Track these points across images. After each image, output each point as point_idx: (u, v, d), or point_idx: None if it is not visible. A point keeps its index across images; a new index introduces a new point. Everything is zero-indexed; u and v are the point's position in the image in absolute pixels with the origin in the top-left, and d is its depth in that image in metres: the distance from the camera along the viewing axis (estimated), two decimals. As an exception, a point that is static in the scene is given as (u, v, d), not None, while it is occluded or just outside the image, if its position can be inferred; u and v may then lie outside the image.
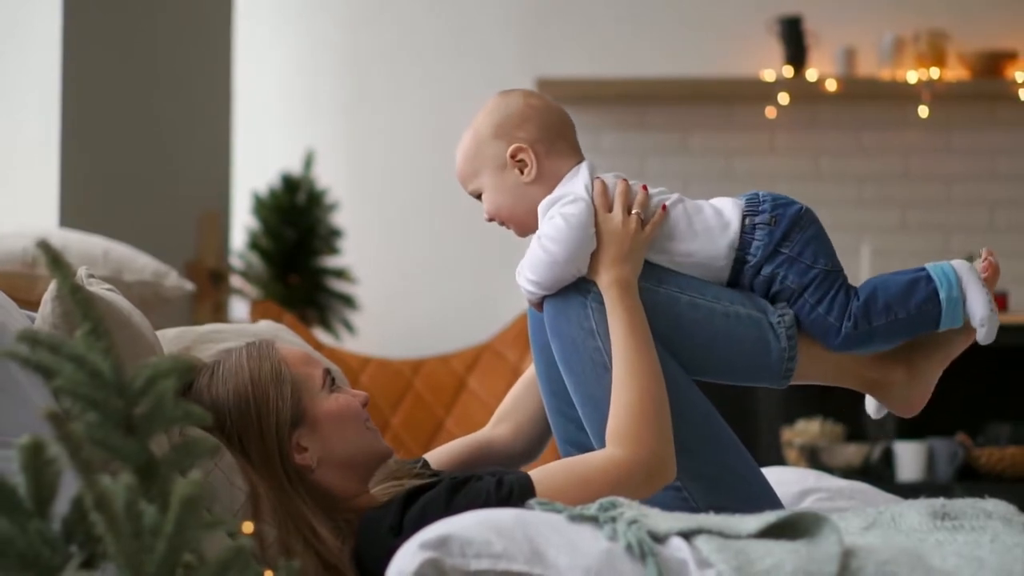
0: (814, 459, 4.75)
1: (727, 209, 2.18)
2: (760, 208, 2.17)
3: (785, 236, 2.15)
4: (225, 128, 5.26)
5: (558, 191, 2.16)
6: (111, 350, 1.36)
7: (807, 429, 4.91)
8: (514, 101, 2.21)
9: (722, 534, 1.63)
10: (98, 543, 1.31)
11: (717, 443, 2.12)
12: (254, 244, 5.19)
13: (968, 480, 4.74)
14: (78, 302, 1.39)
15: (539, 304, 2.16)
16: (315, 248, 5.18)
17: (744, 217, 2.17)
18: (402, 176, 5.62)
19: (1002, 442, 4.84)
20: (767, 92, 5.36)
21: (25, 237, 3.17)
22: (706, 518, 1.68)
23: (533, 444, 2.35)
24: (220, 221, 5.02)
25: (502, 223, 2.22)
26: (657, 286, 2.13)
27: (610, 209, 2.13)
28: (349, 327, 5.22)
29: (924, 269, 2.17)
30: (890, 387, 2.25)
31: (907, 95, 5.36)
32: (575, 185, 2.15)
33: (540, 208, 2.16)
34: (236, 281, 5.17)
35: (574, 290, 2.11)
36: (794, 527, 1.65)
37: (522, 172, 2.17)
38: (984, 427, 4.95)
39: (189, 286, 3.36)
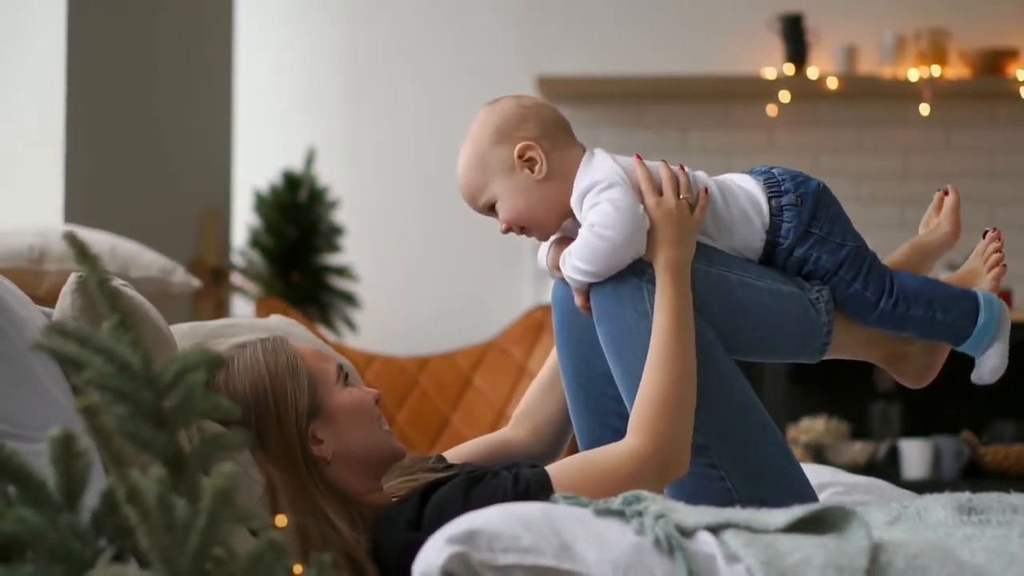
0: (819, 457, 4.74)
1: (753, 189, 2.18)
2: (783, 188, 2.18)
3: (813, 216, 2.16)
4: (226, 126, 5.24)
5: (584, 180, 2.13)
6: (139, 343, 1.35)
7: (812, 427, 4.90)
8: (506, 105, 2.19)
9: (750, 528, 1.62)
10: (128, 537, 1.30)
11: (764, 434, 2.11)
12: (255, 242, 5.18)
13: (974, 478, 4.73)
14: (106, 294, 1.37)
15: (584, 294, 2.13)
16: (316, 246, 5.17)
17: (769, 199, 2.17)
18: (403, 174, 5.61)
19: (1007, 440, 4.84)
20: (768, 90, 5.35)
21: (31, 234, 3.16)
22: (733, 512, 1.67)
23: (551, 446, 2.32)
24: (221, 219, 5.01)
25: (521, 231, 2.18)
26: (708, 266, 2.12)
27: (659, 192, 2.11)
28: (351, 324, 5.21)
29: (975, 292, 2.23)
30: (908, 357, 2.29)
31: (908, 93, 5.35)
32: (598, 172, 2.12)
33: (574, 201, 2.13)
34: (236, 279, 5.16)
35: (629, 272, 2.08)
36: (822, 521, 1.64)
37: (532, 170, 2.14)
38: (990, 425, 4.95)
39: (196, 282, 3.35)
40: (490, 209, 2.19)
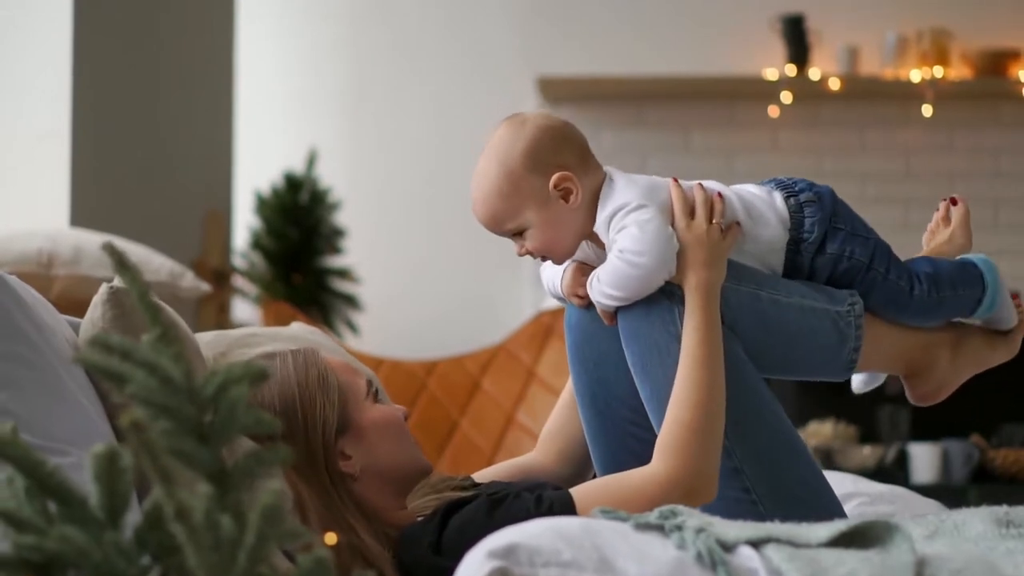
0: (828, 461, 4.72)
1: (762, 191, 2.15)
2: (796, 188, 2.14)
3: (834, 212, 2.13)
4: (227, 127, 5.22)
5: (609, 205, 2.06)
6: (181, 356, 1.32)
7: (820, 430, 4.89)
8: (535, 129, 2.07)
9: (792, 543, 1.59)
10: (172, 555, 1.27)
11: (796, 455, 2.07)
12: (257, 244, 5.16)
13: (983, 482, 4.72)
14: (147, 306, 1.35)
15: (611, 315, 2.07)
16: (318, 248, 5.16)
17: (786, 198, 2.13)
18: (405, 175, 5.60)
19: (1017, 444, 4.82)
20: (770, 91, 5.34)
21: (39, 237, 3.13)
22: (774, 526, 1.65)
23: (579, 467, 2.25)
24: (223, 221, 4.98)
25: (543, 256, 2.10)
26: (738, 284, 2.06)
27: (692, 215, 2.06)
28: (352, 327, 5.19)
29: (965, 258, 2.23)
30: (933, 369, 2.23)
31: (910, 94, 5.35)
32: (622, 195, 2.06)
33: (599, 227, 2.06)
34: (237, 281, 5.14)
35: (660, 293, 2.02)
36: (864, 535, 1.62)
37: (567, 200, 2.06)
38: (999, 429, 4.93)
39: (205, 287, 3.33)
40: (515, 234, 2.10)
